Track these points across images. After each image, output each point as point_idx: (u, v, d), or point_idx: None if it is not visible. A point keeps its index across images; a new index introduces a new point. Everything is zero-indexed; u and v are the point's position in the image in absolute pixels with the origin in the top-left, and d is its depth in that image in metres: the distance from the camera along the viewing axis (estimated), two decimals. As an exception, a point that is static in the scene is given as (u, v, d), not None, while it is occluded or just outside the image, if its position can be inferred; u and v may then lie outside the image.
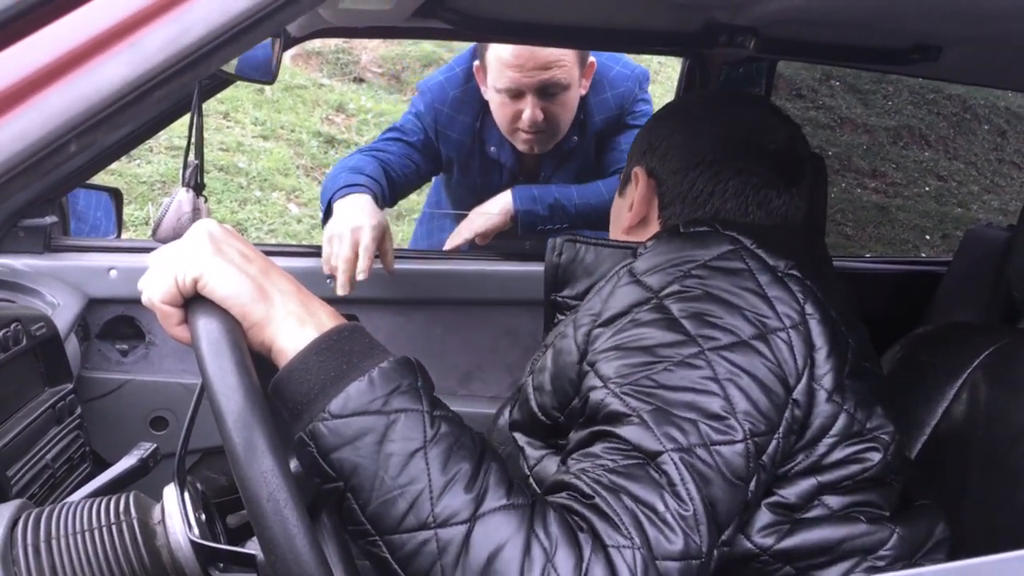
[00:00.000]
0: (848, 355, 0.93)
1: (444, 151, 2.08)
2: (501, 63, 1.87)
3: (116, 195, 1.99)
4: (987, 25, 1.34)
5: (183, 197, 1.47)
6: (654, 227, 1.13)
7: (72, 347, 1.58)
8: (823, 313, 0.92)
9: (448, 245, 1.95)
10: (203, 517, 0.83)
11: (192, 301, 0.77)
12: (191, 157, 1.50)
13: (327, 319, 0.78)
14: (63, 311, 1.59)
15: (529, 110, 1.91)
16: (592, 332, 0.94)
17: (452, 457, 0.73)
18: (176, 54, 0.57)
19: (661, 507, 0.75)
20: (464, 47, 2.16)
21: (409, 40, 4.64)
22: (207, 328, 0.74)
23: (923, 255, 5.46)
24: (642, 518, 0.74)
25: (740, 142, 1.10)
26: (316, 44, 5.48)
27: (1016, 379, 1.07)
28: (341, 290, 1.66)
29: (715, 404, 0.83)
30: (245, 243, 0.80)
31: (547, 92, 1.90)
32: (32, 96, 0.54)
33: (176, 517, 0.80)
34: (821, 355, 0.90)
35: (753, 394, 0.84)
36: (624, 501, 0.75)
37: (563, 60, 1.87)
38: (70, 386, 1.44)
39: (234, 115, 5.03)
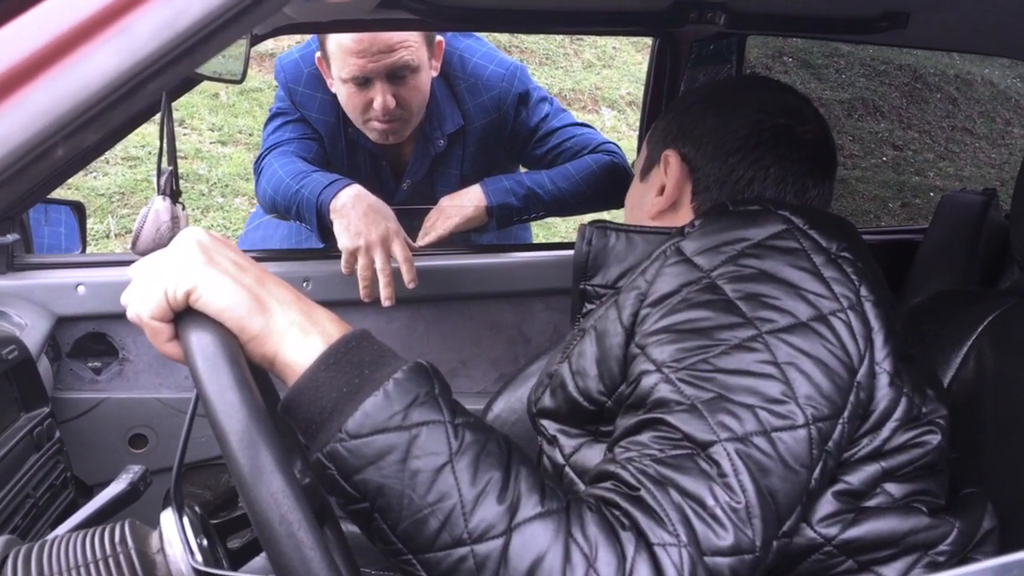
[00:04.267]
0: (898, 339, 0.91)
1: None
2: (344, 51, 1.76)
3: (79, 208, 1.93)
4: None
5: (160, 206, 1.41)
6: (685, 212, 1.10)
7: (43, 368, 1.53)
8: (878, 296, 0.89)
9: (421, 242, 1.91)
10: (204, 542, 0.78)
11: (183, 315, 0.72)
12: (164, 163, 1.44)
13: (332, 327, 0.74)
14: (31, 331, 1.54)
15: (380, 97, 1.80)
16: (639, 312, 0.91)
17: (480, 467, 0.69)
18: (171, 40, 0.51)
19: (710, 500, 0.72)
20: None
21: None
22: (201, 344, 0.69)
23: (883, 224, 5.53)
24: (689, 513, 0.71)
25: (776, 128, 1.07)
26: (269, 45, 5.39)
27: (1022, 345, 1.07)
28: (388, 302, 1.68)
29: (774, 389, 0.80)
30: (237, 251, 0.76)
31: (396, 76, 1.80)
32: (11, 95, 0.48)
33: (176, 544, 0.75)
34: (879, 338, 0.87)
35: (815, 377, 0.81)
36: (671, 494, 0.72)
37: (408, 40, 1.77)
38: (47, 410, 1.39)
39: (190, 121, 4.94)
